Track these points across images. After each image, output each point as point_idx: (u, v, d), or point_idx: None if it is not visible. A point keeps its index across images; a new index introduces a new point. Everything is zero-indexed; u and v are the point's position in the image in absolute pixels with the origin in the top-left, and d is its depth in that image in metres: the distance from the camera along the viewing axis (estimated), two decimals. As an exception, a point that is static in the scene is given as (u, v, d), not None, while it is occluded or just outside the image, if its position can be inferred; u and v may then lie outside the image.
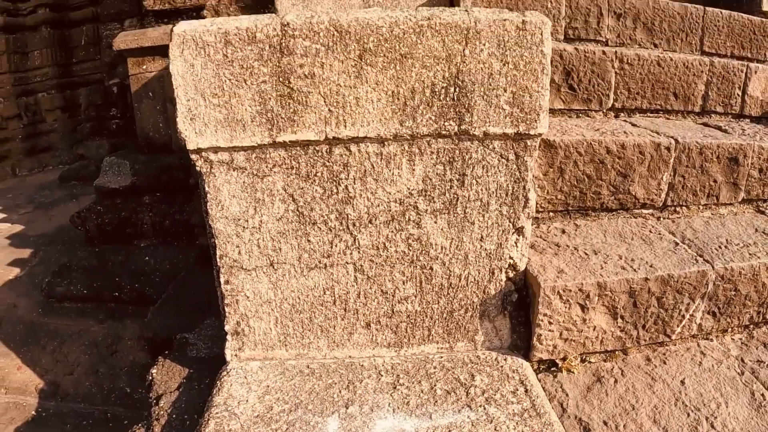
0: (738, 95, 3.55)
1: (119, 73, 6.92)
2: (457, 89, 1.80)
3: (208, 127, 1.82)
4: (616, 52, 3.11)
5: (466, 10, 1.79)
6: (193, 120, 1.81)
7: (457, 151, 1.88)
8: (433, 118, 1.82)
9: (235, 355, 2.16)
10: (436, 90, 1.80)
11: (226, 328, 2.12)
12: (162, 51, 4.23)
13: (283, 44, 1.75)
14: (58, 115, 10.14)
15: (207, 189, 1.91)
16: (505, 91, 1.83)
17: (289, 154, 1.86)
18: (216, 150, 1.86)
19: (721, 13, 3.91)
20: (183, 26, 1.80)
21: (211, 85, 1.79)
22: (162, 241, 4.44)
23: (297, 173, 1.87)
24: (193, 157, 1.87)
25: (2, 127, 10.13)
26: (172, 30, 1.81)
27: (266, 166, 1.87)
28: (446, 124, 1.84)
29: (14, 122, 10.15)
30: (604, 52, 3.08)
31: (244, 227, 1.95)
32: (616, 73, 3.13)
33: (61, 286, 4.45)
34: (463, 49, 1.78)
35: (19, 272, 5.21)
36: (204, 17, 3.67)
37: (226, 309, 2.08)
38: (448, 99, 1.81)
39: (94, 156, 7.80)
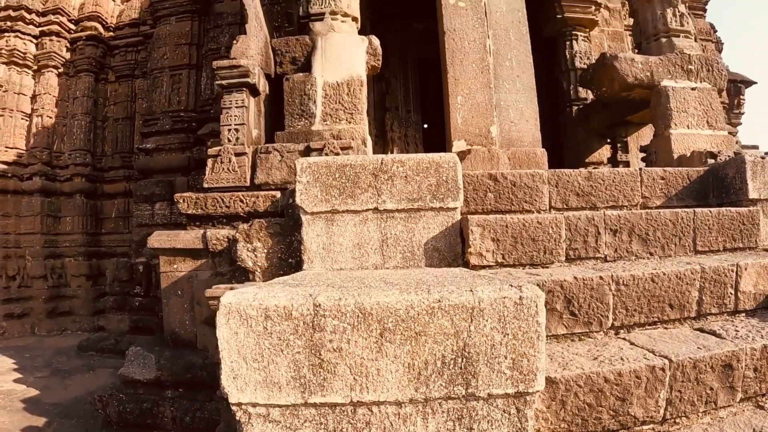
0: (731, 294, 3.69)
1: (146, 252, 7.36)
2: (464, 360, 2.08)
3: (248, 386, 2.09)
4: (612, 275, 3.35)
5: (471, 290, 2.11)
6: (236, 379, 2.09)
7: (465, 410, 2.13)
8: (443, 384, 2.09)
9: None
10: (446, 361, 2.08)
11: None
12: (193, 254, 4.60)
13: (315, 322, 2.06)
14: (82, 282, 10.51)
15: (244, 437, 2.15)
16: (506, 358, 2.10)
17: (319, 412, 2.11)
18: (254, 405, 2.11)
19: (710, 212, 4.19)
20: (229, 298, 2.12)
21: (252, 352, 2.08)
22: (182, 435, 4.59)
23: (325, 428, 2.12)
24: (234, 408, 2.13)
25: (27, 285, 10.50)
26: (219, 300, 2.12)
27: (298, 421, 2.12)
28: (455, 389, 2.10)
29: (39, 282, 10.52)
30: (601, 278, 3.33)
31: (276, 470, 2.16)
32: (613, 294, 3.36)
33: (76, 469, 4.56)
34: (469, 326, 2.08)
35: (32, 441, 5.30)
36: (236, 229, 4.04)
37: None
38: (456, 368, 2.09)
39: (114, 330, 8.09)
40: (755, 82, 14.00)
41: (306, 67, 5.54)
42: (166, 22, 9.12)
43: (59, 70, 11.45)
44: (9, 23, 10.99)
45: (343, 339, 2.06)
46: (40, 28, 11.34)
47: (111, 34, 11.66)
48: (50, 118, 11.27)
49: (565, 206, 4.36)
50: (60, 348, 8.93)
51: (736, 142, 11.49)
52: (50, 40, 11.35)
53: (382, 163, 3.62)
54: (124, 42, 11.49)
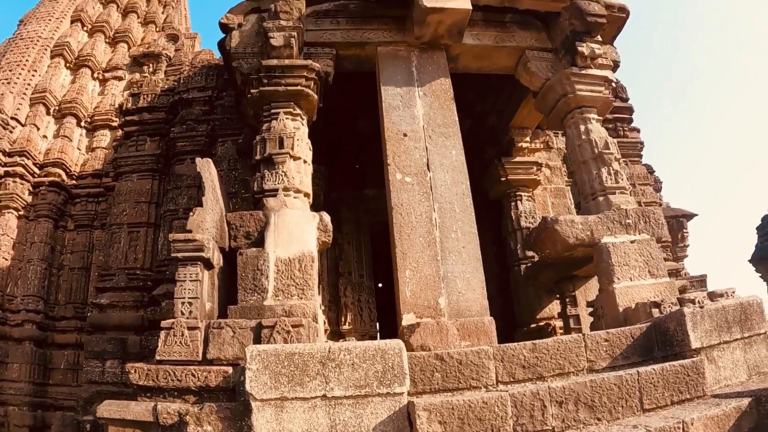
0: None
1: (94, 410, 7.20)
2: None
3: None
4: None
5: None
6: None
7: None
8: None
9: None
10: None
11: None
12: (143, 426, 4.56)
13: None
14: (25, 434, 10.06)
15: None
16: None
17: None
18: None
19: (654, 369, 4.33)
20: None
21: None
22: None
23: None
24: None
25: (-34, 431, 9.99)
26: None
27: None
28: None
29: (-21, 429, 10.02)
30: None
31: None
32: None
33: None
34: None
35: None
36: (187, 402, 4.07)
37: None
38: None
39: (58, 492, 7.71)
40: (696, 215, 14.49)
41: (259, 241, 5.75)
42: (128, 179, 9.38)
43: (19, 212, 11.44)
44: (-25, 160, 11.14)
45: None
46: (5, 168, 11.41)
47: (74, 182, 11.83)
48: (6, 260, 11.14)
49: (512, 379, 4.46)
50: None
51: (684, 275, 11.73)
52: (14, 181, 11.41)
53: (329, 351, 3.74)
54: (86, 192, 11.65)
